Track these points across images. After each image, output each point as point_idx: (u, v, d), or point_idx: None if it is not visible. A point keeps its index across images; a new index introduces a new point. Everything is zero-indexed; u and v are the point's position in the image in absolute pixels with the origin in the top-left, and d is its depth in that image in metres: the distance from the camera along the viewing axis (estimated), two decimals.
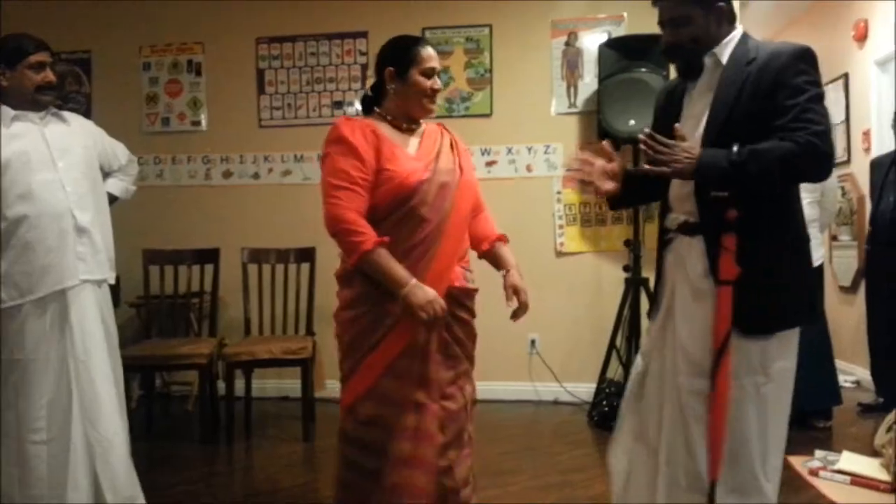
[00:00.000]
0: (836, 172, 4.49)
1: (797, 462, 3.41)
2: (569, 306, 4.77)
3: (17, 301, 2.54)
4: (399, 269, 2.14)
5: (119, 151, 3.00)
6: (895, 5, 4.68)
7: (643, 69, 4.32)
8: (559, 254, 4.83)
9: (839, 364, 4.43)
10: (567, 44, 4.83)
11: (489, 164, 4.85)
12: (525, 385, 4.85)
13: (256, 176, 5.09)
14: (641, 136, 1.96)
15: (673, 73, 2.34)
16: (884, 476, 3.16)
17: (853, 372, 5.27)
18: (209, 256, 4.41)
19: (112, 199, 2.94)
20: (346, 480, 2.29)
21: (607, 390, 4.27)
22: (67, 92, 5.11)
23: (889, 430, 3.39)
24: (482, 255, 2.46)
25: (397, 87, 2.28)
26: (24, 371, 2.54)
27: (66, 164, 2.63)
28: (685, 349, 2.02)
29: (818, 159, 1.87)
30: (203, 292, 4.48)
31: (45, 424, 2.55)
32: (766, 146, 1.86)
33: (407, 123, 2.33)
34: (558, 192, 4.76)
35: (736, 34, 2.05)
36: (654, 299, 2.24)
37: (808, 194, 4.07)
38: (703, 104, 2.02)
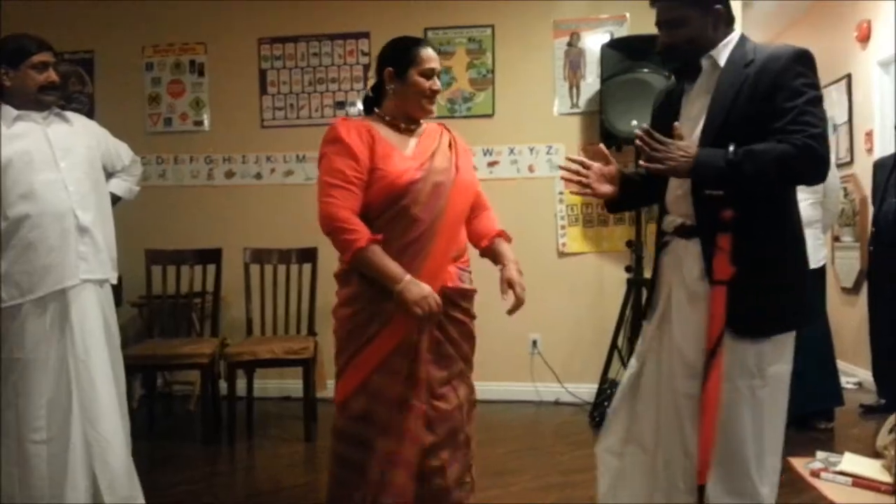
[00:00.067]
0: (838, 173, 4.48)
1: (799, 463, 3.41)
2: (570, 307, 4.77)
3: (17, 300, 2.55)
4: (393, 266, 2.16)
5: (123, 152, 3.00)
6: None
7: (646, 70, 4.32)
8: (561, 254, 4.83)
9: (841, 365, 4.43)
10: (569, 44, 4.83)
11: (491, 164, 4.85)
12: (526, 385, 4.84)
13: (259, 176, 5.09)
14: (637, 132, 1.96)
15: None
16: (885, 477, 3.15)
17: (855, 373, 5.26)
18: (211, 256, 4.42)
19: (115, 199, 2.94)
20: (336, 475, 2.33)
21: (609, 391, 4.27)
22: (70, 92, 5.12)
23: (891, 431, 3.39)
24: (482, 253, 2.47)
25: (396, 87, 2.30)
26: (23, 370, 2.55)
27: (68, 163, 2.64)
28: (681, 351, 2.02)
29: (815, 162, 1.88)
30: (205, 292, 4.49)
31: (45, 424, 2.55)
32: (762, 147, 1.86)
33: (406, 124, 2.34)
34: (560, 193, 4.76)
35: (734, 36, 2.05)
36: (649, 301, 2.23)
37: (810, 195, 4.08)
38: (701, 106, 2.03)
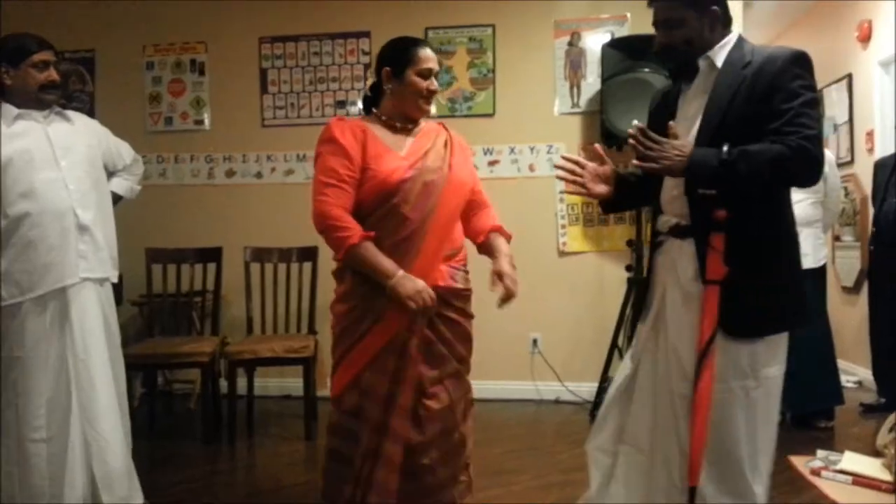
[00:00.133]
0: (839, 173, 4.48)
1: (799, 462, 3.41)
2: (571, 306, 4.77)
3: (17, 299, 2.55)
4: (386, 261, 2.19)
5: (124, 151, 3.01)
6: None
7: (646, 69, 4.32)
8: (561, 253, 4.83)
9: (841, 364, 4.43)
10: (570, 44, 4.83)
11: (492, 163, 4.86)
12: (527, 384, 4.85)
13: (259, 175, 5.09)
14: (631, 131, 1.97)
15: None
16: (886, 476, 3.15)
17: (855, 372, 5.26)
18: (212, 255, 4.42)
19: (116, 198, 2.95)
20: (330, 468, 2.36)
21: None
22: (71, 91, 5.12)
23: (891, 430, 3.39)
24: (479, 249, 2.48)
25: (394, 86, 2.32)
26: (23, 369, 2.55)
27: (68, 162, 2.64)
28: (676, 352, 2.02)
29: (809, 163, 1.88)
30: (206, 291, 4.50)
31: (45, 423, 2.55)
32: (757, 148, 1.86)
33: (402, 123, 2.36)
34: (561, 192, 4.75)
35: (731, 38, 2.05)
36: (643, 301, 2.23)
37: (811, 195, 4.08)
38: (698, 106, 2.03)
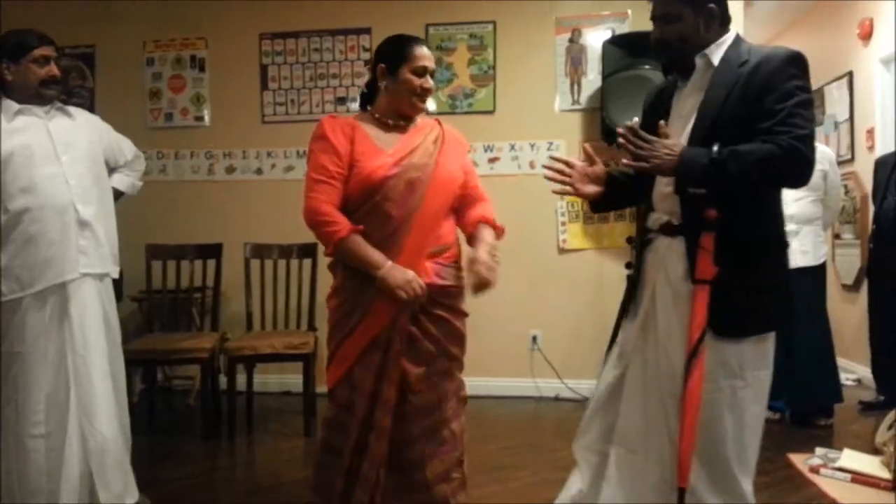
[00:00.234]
0: (839, 171, 4.48)
1: (798, 460, 3.42)
2: (571, 303, 4.78)
3: (17, 294, 2.55)
4: (374, 253, 2.22)
5: (125, 147, 3.01)
6: None
7: (647, 66, 4.31)
8: (561, 250, 4.83)
9: (840, 362, 4.43)
10: (571, 41, 4.83)
11: (492, 160, 4.85)
12: (526, 381, 4.85)
13: (259, 171, 5.09)
14: (620, 131, 1.97)
15: None
16: (884, 474, 3.16)
17: (854, 370, 5.27)
18: (212, 251, 4.42)
19: (118, 194, 2.95)
20: (321, 461, 2.39)
21: None
22: (71, 87, 5.12)
23: (890, 427, 3.39)
24: (468, 241, 2.47)
25: (389, 84, 2.34)
26: (23, 364, 2.55)
27: (69, 158, 2.64)
28: (666, 352, 2.02)
29: (799, 163, 1.87)
30: (205, 287, 4.50)
31: (44, 418, 2.55)
32: (747, 147, 1.86)
33: (394, 120, 2.37)
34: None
35: (729, 37, 2.05)
36: (631, 298, 2.23)
37: (811, 192, 4.08)
38: (693, 104, 2.03)
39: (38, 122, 2.63)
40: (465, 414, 2.45)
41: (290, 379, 4.65)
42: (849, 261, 5.46)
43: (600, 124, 4.53)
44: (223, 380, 4.14)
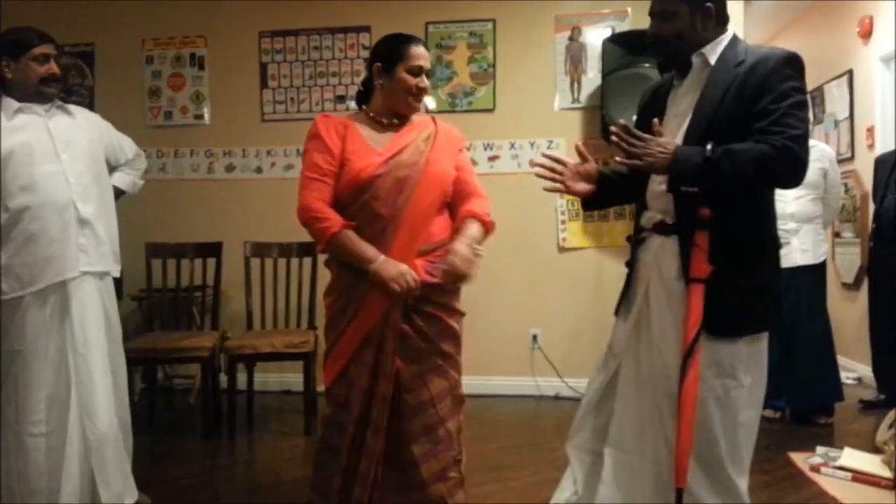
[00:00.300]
0: (839, 169, 4.48)
1: (799, 458, 3.42)
2: (571, 302, 4.77)
3: (18, 293, 2.55)
4: (367, 247, 2.23)
5: (126, 145, 3.01)
6: None
7: (647, 64, 4.31)
8: (561, 249, 4.82)
9: (841, 360, 4.43)
10: (571, 39, 4.82)
11: (492, 159, 4.84)
12: (526, 380, 4.85)
13: (259, 170, 5.09)
14: (613, 129, 1.97)
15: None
16: (885, 473, 3.16)
17: (855, 368, 5.27)
18: (212, 250, 4.42)
19: (118, 192, 2.95)
20: (320, 460, 2.39)
21: None
22: (71, 85, 5.11)
23: (890, 426, 3.39)
24: (455, 235, 2.45)
25: (384, 83, 2.35)
26: (24, 363, 2.55)
27: (69, 156, 2.64)
28: (660, 351, 2.02)
29: (793, 163, 1.87)
30: (205, 286, 4.49)
31: (44, 417, 2.55)
32: (741, 146, 1.86)
33: (389, 119, 2.38)
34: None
35: (726, 36, 2.05)
36: (624, 297, 2.22)
37: (811, 191, 4.08)
38: (689, 103, 2.03)
39: (39, 120, 2.63)
40: (463, 413, 2.45)
41: (291, 378, 4.65)
42: (849, 259, 5.46)
43: (600, 122, 4.52)
44: (223, 378, 4.13)
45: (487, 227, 2.41)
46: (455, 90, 4.91)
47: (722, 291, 1.91)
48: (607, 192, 2.25)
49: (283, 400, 4.77)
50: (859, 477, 3.16)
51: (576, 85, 4.82)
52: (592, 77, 4.77)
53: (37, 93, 2.62)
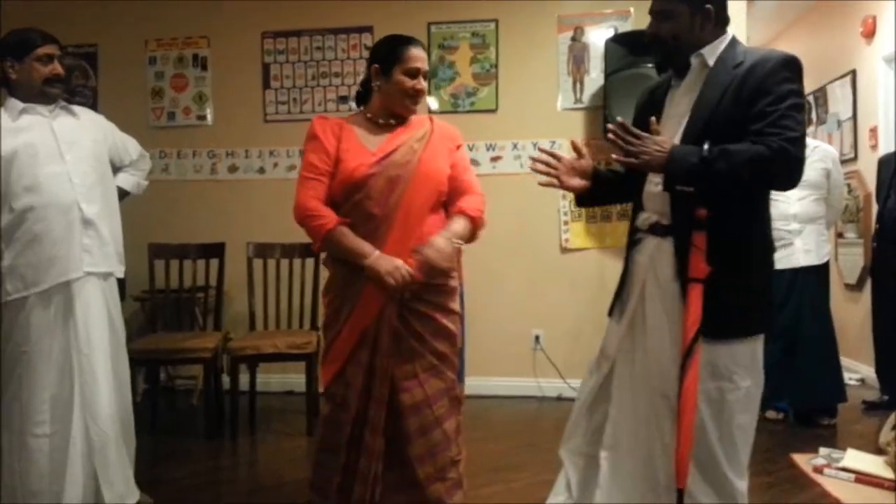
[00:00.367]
0: (842, 169, 4.48)
1: (802, 460, 3.42)
2: (573, 302, 4.77)
3: (22, 293, 2.56)
4: (362, 243, 2.25)
5: (130, 146, 3.01)
6: None
7: (649, 65, 4.29)
8: (564, 250, 4.82)
9: (844, 361, 4.42)
10: (573, 39, 4.82)
11: (494, 159, 4.84)
12: (529, 381, 4.85)
13: (262, 170, 5.09)
14: (610, 127, 1.97)
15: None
16: (888, 474, 3.15)
17: (858, 369, 5.26)
18: (214, 251, 4.42)
19: (123, 193, 2.95)
20: (319, 460, 2.41)
21: None
22: (74, 86, 5.12)
23: (894, 427, 3.39)
24: None
25: (382, 84, 2.36)
26: (28, 363, 2.55)
27: (73, 156, 2.64)
28: (655, 352, 2.01)
29: (789, 165, 1.87)
30: (208, 286, 4.49)
31: (48, 418, 2.55)
32: (737, 147, 1.86)
33: (385, 119, 2.39)
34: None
35: (725, 38, 2.05)
36: (618, 298, 2.22)
37: (814, 191, 4.08)
38: (687, 103, 2.03)
39: (43, 120, 2.63)
40: (462, 414, 2.45)
41: (293, 378, 4.64)
42: (852, 260, 5.45)
43: (603, 123, 4.52)
44: (226, 379, 4.13)
45: (476, 224, 2.40)
46: (457, 90, 4.91)
47: (718, 293, 1.91)
48: (602, 190, 2.26)
49: (285, 401, 4.77)
50: (862, 478, 3.16)
51: (578, 85, 4.82)
52: (595, 77, 4.76)
53: (41, 93, 2.63)
